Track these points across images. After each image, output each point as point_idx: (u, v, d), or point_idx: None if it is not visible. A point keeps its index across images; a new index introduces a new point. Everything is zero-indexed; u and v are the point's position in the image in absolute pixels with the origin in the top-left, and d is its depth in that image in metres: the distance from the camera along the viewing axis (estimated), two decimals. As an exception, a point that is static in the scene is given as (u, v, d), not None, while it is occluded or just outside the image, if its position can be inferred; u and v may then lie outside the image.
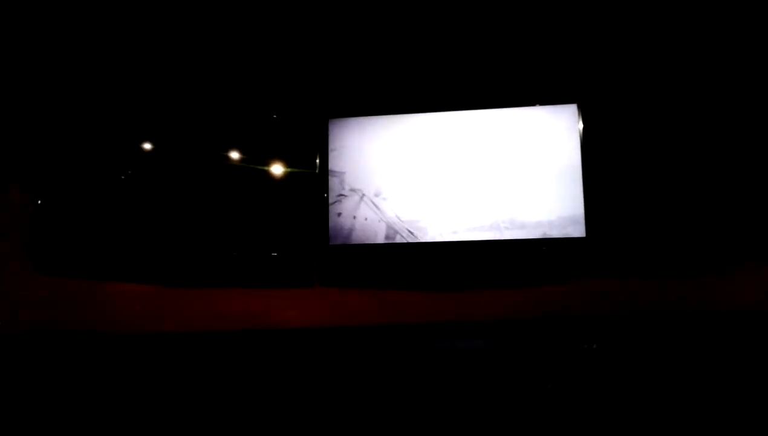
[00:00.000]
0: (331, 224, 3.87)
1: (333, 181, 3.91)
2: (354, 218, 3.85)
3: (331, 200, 3.90)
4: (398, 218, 3.80)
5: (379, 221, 3.81)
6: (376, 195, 3.85)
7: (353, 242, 3.84)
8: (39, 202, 3.95)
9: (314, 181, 3.96)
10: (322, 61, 4.08)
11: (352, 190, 3.88)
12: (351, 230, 3.84)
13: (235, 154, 4.02)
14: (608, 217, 3.65)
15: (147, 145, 4.04)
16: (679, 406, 2.96)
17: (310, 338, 3.72)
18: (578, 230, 3.59)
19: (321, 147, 3.97)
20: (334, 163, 3.92)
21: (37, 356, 3.48)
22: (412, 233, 3.77)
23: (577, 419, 2.93)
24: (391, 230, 3.80)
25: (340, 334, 3.72)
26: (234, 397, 3.24)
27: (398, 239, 3.79)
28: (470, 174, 3.76)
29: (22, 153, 3.97)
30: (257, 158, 4.01)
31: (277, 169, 4.01)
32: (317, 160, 3.97)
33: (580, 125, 3.71)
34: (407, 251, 3.80)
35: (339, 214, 3.88)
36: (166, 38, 4.03)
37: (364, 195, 3.86)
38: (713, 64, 3.71)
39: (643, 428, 2.88)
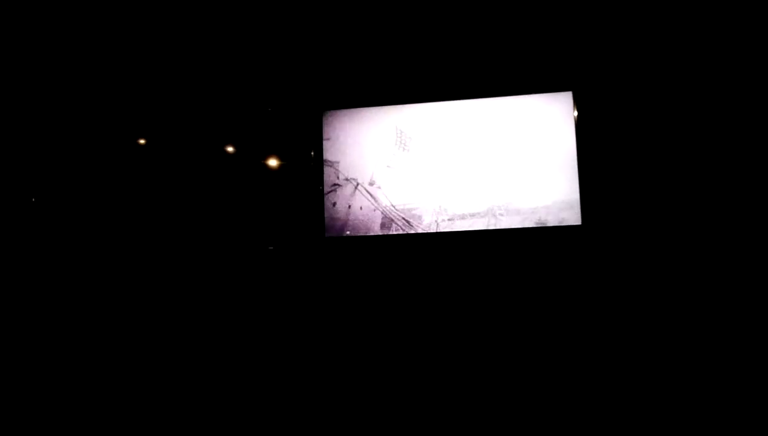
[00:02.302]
0: (326, 215, 3.85)
1: (327, 171, 3.90)
2: (349, 207, 3.84)
3: (325, 190, 3.88)
4: (393, 206, 3.78)
5: (374, 210, 3.79)
6: (371, 184, 3.83)
7: (349, 234, 3.82)
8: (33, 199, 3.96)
9: (309, 173, 3.94)
10: (316, 55, 4.08)
11: (347, 179, 3.87)
12: (346, 220, 3.82)
13: (230, 148, 4.02)
14: (604, 203, 3.63)
15: (141, 141, 4.05)
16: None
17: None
18: (574, 216, 3.56)
19: (316, 139, 3.96)
20: (328, 153, 3.91)
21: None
22: (407, 221, 3.75)
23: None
24: (386, 218, 3.78)
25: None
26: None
27: (393, 228, 3.77)
28: (465, 161, 3.75)
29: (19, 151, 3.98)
30: (253, 151, 4.02)
31: (273, 161, 4.01)
32: (312, 153, 3.95)
33: (575, 112, 3.69)
34: (404, 242, 3.76)
35: (334, 204, 3.87)
36: (161, 35, 4.03)
37: (358, 184, 3.84)
38: (704, 52, 3.70)
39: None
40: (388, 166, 3.82)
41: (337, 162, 3.88)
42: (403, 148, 3.81)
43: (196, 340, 3.55)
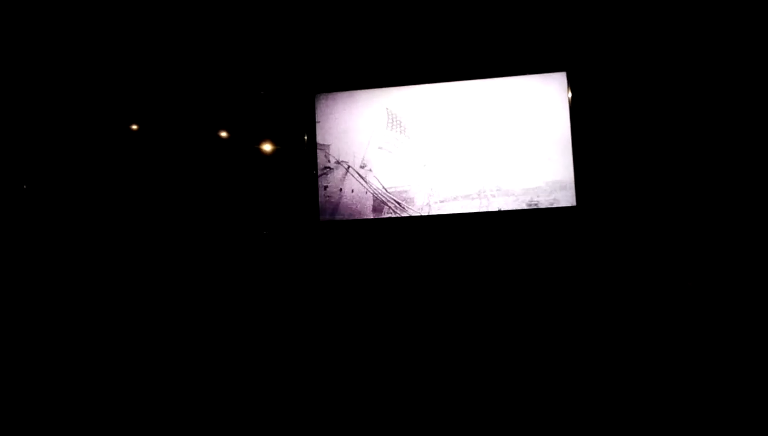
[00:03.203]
0: (320, 199, 3.84)
1: (318, 154, 3.88)
2: (341, 190, 3.82)
3: (317, 173, 3.86)
4: (384, 188, 3.76)
5: (366, 193, 3.77)
6: (362, 166, 3.81)
7: (341, 217, 3.80)
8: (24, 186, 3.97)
9: (302, 156, 3.92)
10: (308, 38, 4.03)
11: (338, 162, 3.84)
12: (338, 203, 3.80)
13: (223, 133, 4.01)
14: (598, 183, 3.60)
15: (134, 127, 4.04)
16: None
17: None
18: (566, 196, 3.53)
19: (308, 122, 3.93)
20: (319, 137, 3.89)
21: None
22: (399, 203, 3.73)
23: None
24: (378, 201, 3.76)
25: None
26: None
27: (385, 211, 3.75)
28: (457, 143, 3.72)
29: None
30: (245, 136, 4.00)
31: (265, 146, 3.98)
32: (305, 137, 3.93)
33: (569, 93, 3.65)
34: (397, 225, 3.75)
35: (326, 188, 3.85)
36: (152, 21, 3.98)
37: (349, 167, 3.82)
38: (699, 31, 3.65)
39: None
40: (379, 148, 3.80)
41: (328, 145, 3.86)
42: (394, 131, 3.78)
43: (190, 324, 3.55)
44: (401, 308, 3.53)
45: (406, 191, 3.74)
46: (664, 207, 3.58)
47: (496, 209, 3.64)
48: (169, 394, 2.94)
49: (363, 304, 3.59)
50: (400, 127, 3.78)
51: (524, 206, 3.60)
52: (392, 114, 3.79)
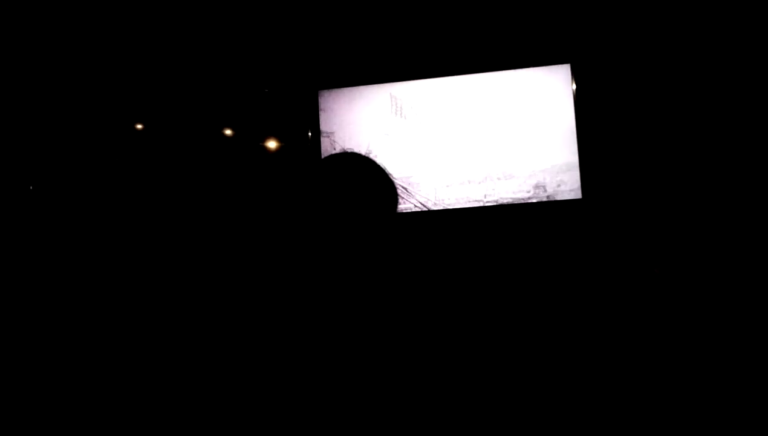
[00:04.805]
0: (326, 187, 3.83)
1: (324, 142, 3.88)
2: (346, 178, 3.81)
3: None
4: (391, 175, 3.75)
5: (372, 180, 3.76)
6: (368, 153, 3.80)
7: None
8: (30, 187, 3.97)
9: (306, 151, 3.93)
10: (310, 36, 4.07)
11: (344, 149, 3.84)
12: (344, 191, 3.79)
13: (228, 130, 4.04)
14: (604, 177, 3.58)
15: (138, 126, 4.07)
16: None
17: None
18: (573, 179, 3.52)
19: (312, 117, 3.96)
20: (324, 125, 3.91)
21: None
22: (405, 189, 3.72)
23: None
24: (384, 187, 3.74)
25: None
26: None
27: (391, 197, 3.74)
28: (463, 132, 3.76)
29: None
30: (250, 132, 4.03)
31: (270, 141, 4.01)
32: (309, 133, 3.95)
33: (574, 85, 3.67)
34: (404, 219, 3.72)
35: (331, 176, 3.84)
36: (157, 21, 4.04)
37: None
38: (706, 22, 3.69)
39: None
40: (386, 134, 3.81)
41: (333, 132, 3.88)
42: (400, 117, 3.81)
43: (194, 322, 3.47)
44: (406, 305, 3.44)
45: (411, 177, 3.74)
46: (674, 198, 3.54)
47: (503, 194, 3.62)
48: (173, 391, 2.86)
49: (366, 297, 3.51)
50: (406, 114, 3.81)
51: (531, 188, 3.57)
52: (398, 102, 3.84)
